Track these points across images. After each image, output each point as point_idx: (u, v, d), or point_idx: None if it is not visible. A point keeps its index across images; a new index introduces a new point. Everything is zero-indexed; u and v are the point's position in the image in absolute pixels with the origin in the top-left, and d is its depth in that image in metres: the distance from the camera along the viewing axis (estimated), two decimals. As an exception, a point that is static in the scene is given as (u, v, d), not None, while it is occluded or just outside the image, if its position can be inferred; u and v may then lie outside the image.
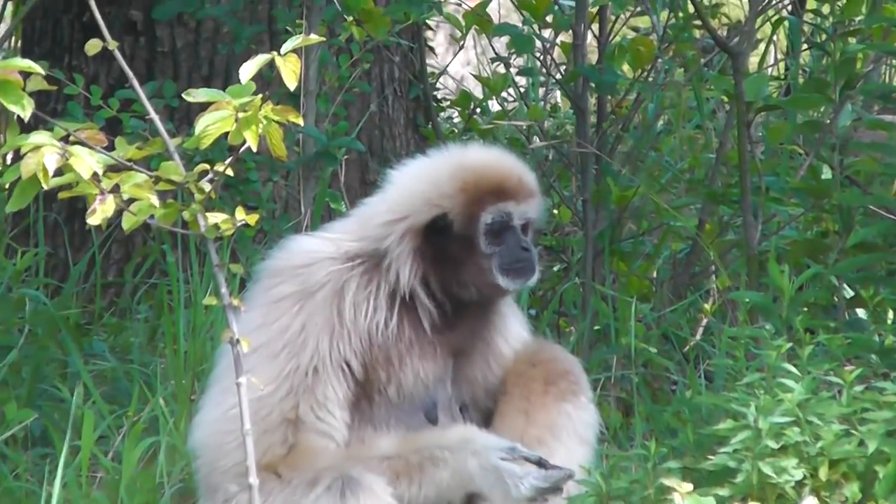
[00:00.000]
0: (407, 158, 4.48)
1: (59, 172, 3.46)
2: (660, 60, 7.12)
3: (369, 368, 4.31)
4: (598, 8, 7.07)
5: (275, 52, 3.50)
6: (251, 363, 4.10)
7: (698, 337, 6.52)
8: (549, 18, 7.03)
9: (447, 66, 8.74)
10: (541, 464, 4.19)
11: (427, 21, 7.73)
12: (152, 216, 3.57)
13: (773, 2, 7.27)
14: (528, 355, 4.53)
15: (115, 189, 3.51)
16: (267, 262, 4.40)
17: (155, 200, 3.54)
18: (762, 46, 8.72)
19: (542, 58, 7.41)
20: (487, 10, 7.24)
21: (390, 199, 4.35)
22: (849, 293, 6.14)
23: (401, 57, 7.61)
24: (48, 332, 6.09)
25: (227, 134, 3.49)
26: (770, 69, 8.83)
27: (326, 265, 4.30)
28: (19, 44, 7.83)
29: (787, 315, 4.99)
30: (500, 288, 4.34)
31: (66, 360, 6.00)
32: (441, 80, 8.57)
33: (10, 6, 7.98)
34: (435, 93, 8.08)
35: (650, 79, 7.16)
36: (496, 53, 7.78)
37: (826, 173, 6.67)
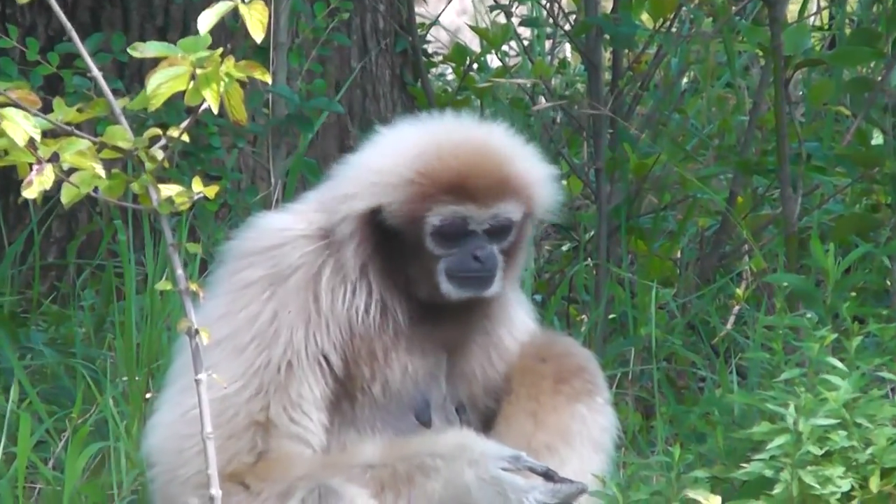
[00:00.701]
0: (393, 121, 4.45)
1: (-13, 139, 3.45)
2: (684, 8, 7.11)
3: (351, 363, 4.30)
4: (612, -52, 7.06)
5: (239, -1, 3.49)
6: (214, 358, 4.10)
7: (729, 327, 6.52)
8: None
9: (439, 15, 8.73)
10: (548, 476, 4.18)
11: (416, -37, 7.73)
12: (96, 188, 3.55)
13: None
14: (537, 349, 4.52)
15: (55, 157, 3.49)
16: (232, 242, 4.39)
17: (100, 170, 3.52)
18: (803, -8, 8.73)
19: (548, 6, 7.39)
20: (486, -50, 7.25)
21: (349, 173, 4.32)
22: (903, 276, 6.17)
23: (386, 5, 7.59)
24: (-23, 323, 6.10)
25: (183, 94, 3.47)
26: (812, 18, 8.81)
27: (300, 245, 4.29)
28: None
29: (831, 301, 5.00)
30: (443, 295, 4.30)
31: (-2, 354, 6.01)
32: (432, 31, 8.56)
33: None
34: (425, 46, 8.06)
35: (673, 30, 7.15)
36: (495, 1, 7.76)
37: (877, 138, 6.67)
